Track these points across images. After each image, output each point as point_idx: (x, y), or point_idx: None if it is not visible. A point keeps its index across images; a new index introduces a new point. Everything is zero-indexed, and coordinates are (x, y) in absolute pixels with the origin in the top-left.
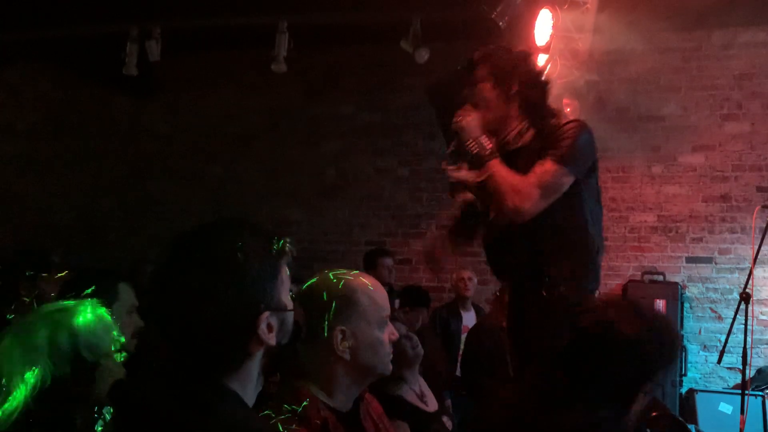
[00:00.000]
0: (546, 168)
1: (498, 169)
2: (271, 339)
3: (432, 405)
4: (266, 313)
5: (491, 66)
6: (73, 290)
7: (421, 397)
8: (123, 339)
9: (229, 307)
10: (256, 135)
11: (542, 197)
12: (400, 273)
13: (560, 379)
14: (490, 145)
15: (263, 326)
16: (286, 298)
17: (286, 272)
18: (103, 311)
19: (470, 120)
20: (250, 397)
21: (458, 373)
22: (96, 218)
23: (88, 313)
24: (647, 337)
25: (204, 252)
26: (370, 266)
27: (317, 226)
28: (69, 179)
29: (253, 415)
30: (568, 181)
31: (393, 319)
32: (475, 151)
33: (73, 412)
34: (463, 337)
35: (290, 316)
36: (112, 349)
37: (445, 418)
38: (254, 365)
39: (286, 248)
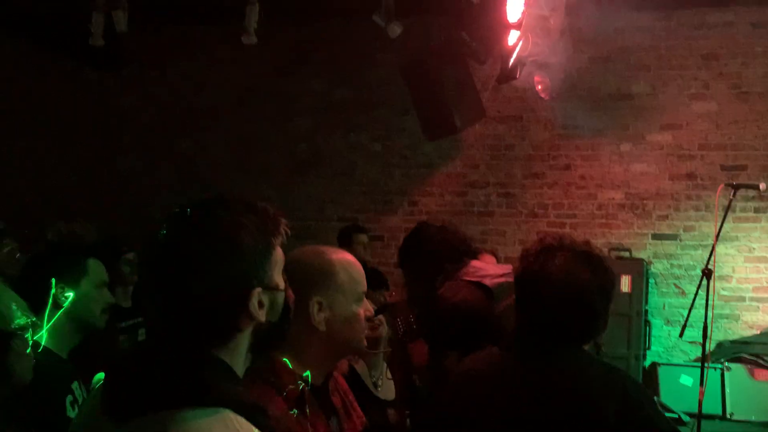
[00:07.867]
0: None
1: None
2: (261, 315)
3: (385, 395)
4: (258, 289)
5: None
6: (41, 265)
7: (375, 384)
8: (31, 316)
9: (222, 280)
10: (226, 110)
11: None
12: (372, 249)
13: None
14: None
15: (254, 302)
16: (279, 278)
17: (280, 253)
18: None
19: None
20: (238, 370)
21: None
22: (61, 192)
23: None
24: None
25: (199, 225)
26: (344, 242)
27: (289, 203)
28: (34, 153)
29: (243, 385)
30: None
31: None
32: None
33: None
34: None
35: (281, 296)
36: (19, 323)
37: (391, 411)
38: (244, 340)
39: (281, 228)
